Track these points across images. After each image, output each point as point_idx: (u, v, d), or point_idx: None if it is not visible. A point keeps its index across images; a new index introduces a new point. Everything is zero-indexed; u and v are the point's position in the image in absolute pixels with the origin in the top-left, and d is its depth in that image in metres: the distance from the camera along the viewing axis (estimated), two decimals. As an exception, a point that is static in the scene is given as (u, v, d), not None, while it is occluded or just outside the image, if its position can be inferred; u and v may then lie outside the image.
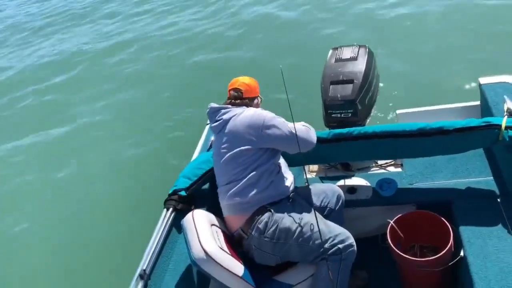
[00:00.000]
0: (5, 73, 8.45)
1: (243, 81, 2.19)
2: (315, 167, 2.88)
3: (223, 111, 2.11)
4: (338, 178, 2.65)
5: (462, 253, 1.96)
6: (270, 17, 7.30)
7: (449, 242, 1.98)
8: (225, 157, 2.05)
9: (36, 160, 5.47)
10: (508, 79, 2.58)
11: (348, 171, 2.72)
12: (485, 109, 2.53)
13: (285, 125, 2.05)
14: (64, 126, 6.03)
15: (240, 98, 2.14)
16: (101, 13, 10.47)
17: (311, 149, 2.13)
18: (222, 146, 2.07)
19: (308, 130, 2.14)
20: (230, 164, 2.03)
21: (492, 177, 2.29)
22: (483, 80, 2.63)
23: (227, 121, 2.06)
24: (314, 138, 2.15)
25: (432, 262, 1.97)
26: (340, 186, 2.47)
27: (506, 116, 2.15)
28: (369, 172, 2.67)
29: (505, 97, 2.35)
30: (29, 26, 11.09)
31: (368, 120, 2.75)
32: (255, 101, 2.20)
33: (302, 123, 2.22)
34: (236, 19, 7.63)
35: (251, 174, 2.00)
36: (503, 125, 2.05)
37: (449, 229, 2.03)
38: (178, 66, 6.70)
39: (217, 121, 2.11)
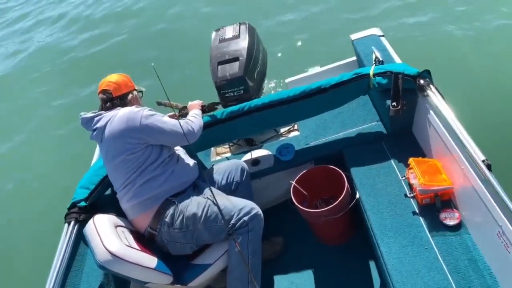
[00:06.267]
0: None
1: (110, 80, 2.08)
2: (220, 149, 2.92)
3: (96, 119, 2.01)
4: (243, 154, 2.72)
5: (357, 195, 2.14)
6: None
7: (344, 188, 2.14)
8: (114, 163, 1.97)
9: None
10: (374, 31, 2.81)
11: (252, 145, 2.80)
12: (360, 62, 2.74)
13: (162, 120, 1.99)
14: None
15: (110, 100, 2.04)
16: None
17: (196, 139, 2.09)
18: (108, 154, 1.98)
19: (188, 123, 2.07)
20: (121, 170, 1.96)
21: (374, 123, 2.50)
22: (354, 36, 2.83)
23: (103, 129, 1.97)
24: (197, 129, 2.10)
25: (333, 210, 2.11)
26: (246, 161, 2.54)
27: (374, 65, 2.35)
28: (271, 142, 2.77)
29: (373, 47, 2.55)
30: None
31: (261, 94, 2.84)
32: (129, 96, 2.10)
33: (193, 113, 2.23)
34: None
35: (146, 172, 1.96)
36: (371, 73, 2.23)
37: (343, 176, 2.19)
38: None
39: (94, 130, 2.01)
